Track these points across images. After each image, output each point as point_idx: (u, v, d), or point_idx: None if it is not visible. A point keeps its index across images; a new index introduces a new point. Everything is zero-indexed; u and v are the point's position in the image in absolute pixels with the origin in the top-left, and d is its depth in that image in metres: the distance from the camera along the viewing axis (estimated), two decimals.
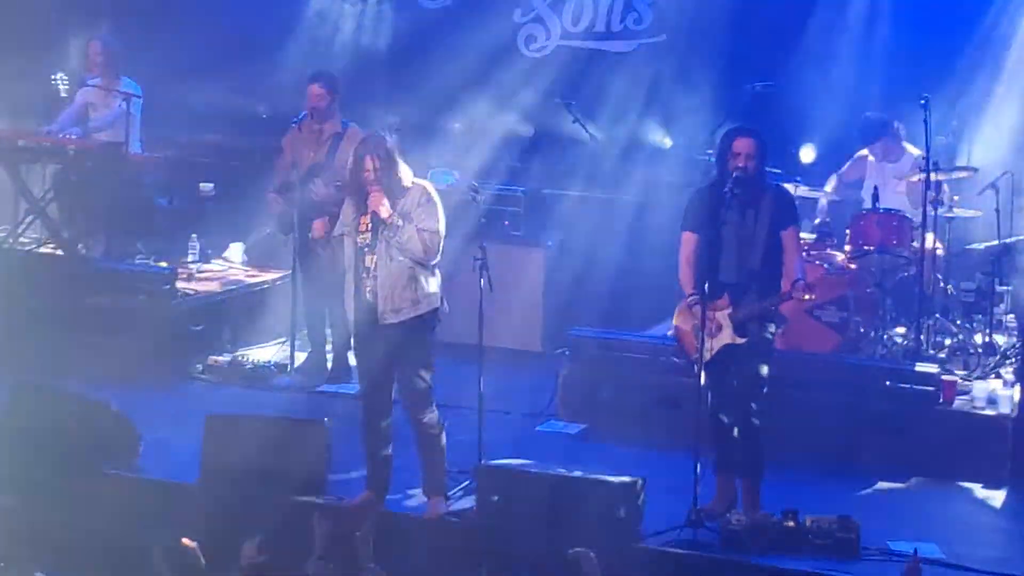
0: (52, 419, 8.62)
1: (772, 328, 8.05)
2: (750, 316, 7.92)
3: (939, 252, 10.26)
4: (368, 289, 7.87)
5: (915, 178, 10.24)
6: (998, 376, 9.57)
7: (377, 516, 7.83)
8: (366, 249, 7.89)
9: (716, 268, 7.86)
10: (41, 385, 9.01)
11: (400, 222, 7.81)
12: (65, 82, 11.72)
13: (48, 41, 12.41)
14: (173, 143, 12.17)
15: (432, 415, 8.01)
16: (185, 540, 7.18)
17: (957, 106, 10.85)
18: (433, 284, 7.93)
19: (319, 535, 7.63)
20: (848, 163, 10.84)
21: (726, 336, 7.93)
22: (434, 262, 7.91)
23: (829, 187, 10.79)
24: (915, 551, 7.33)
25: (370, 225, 7.86)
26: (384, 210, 7.79)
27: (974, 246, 10.45)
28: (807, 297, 7.87)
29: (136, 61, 11.77)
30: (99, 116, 11.49)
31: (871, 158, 10.70)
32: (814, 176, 11.04)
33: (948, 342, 10.07)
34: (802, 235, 9.98)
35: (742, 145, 7.95)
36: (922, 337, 9.89)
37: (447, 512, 8.04)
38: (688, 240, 8.08)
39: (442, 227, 7.89)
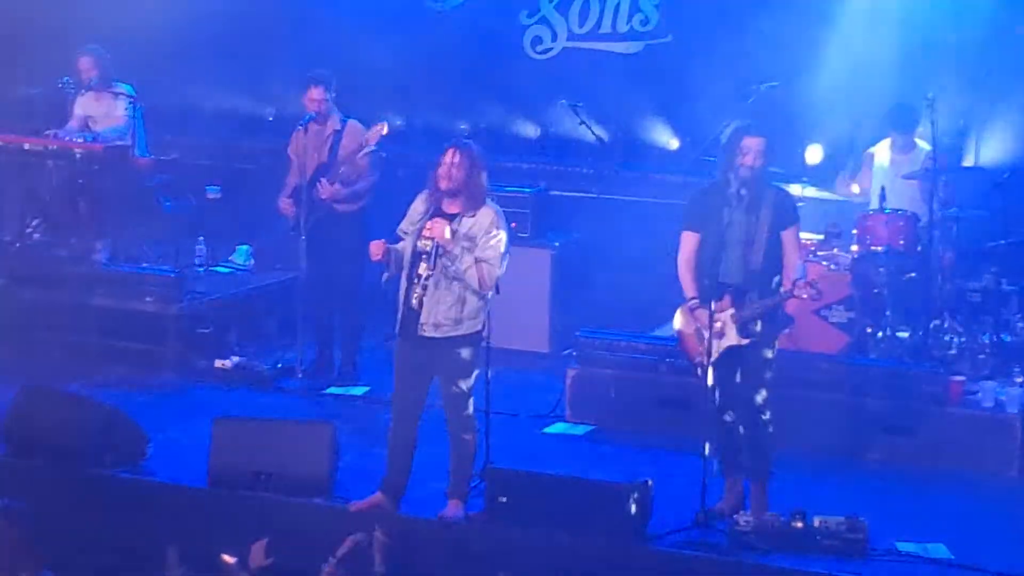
0: (59, 422, 8.63)
1: (775, 328, 8.04)
2: (753, 317, 7.91)
3: (947, 252, 10.24)
4: (416, 297, 7.80)
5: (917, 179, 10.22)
6: (1006, 376, 9.55)
7: (393, 521, 7.83)
8: (423, 256, 7.78)
9: (719, 269, 7.86)
10: (48, 388, 9.02)
11: (458, 250, 7.68)
12: (72, 87, 11.72)
13: (55, 45, 12.40)
14: (178, 146, 12.17)
15: (468, 421, 7.96)
16: (225, 556, 7.18)
17: (964, 105, 10.83)
18: (477, 307, 7.80)
19: (350, 539, 7.63)
20: (863, 168, 10.76)
21: (730, 338, 7.92)
22: (488, 291, 7.80)
23: (856, 188, 10.70)
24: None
25: (431, 238, 7.73)
26: (446, 240, 7.63)
27: (981, 246, 10.42)
28: (808, 295, 7.87)
29: (139, 64, 11.78)
30: (106, 127, 11.45)
31: (883, 148, 10.62)
32: (820, 177, 11.02)
33: (955, 342, 10.05)
34: (809, 235, 10.02)
35: (752, 144, 7.92)
36: (929, 337, 9.87)
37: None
38: (688, 240, 8.05)
39: (502, 259, 7.73)
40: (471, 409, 7.97)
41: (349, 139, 10.08)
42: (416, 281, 7.78)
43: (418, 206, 7.92)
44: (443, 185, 7.74)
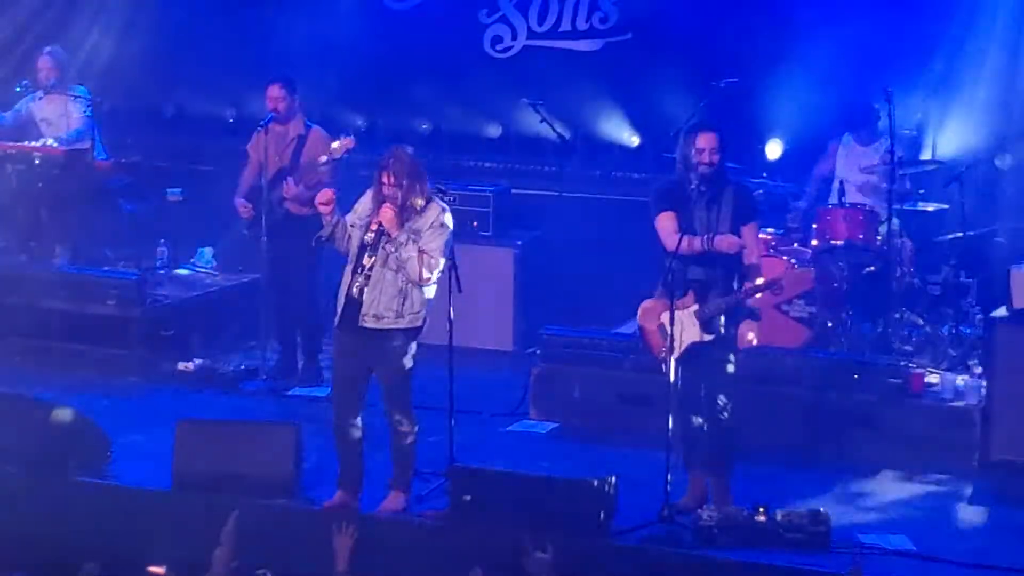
0: (21, 426, 8.59)
1: (738, 323, 8.09)
2: (716, 312, 7.96)
3: (906, 245, 10.31)
4: (356, 286, 7.91)
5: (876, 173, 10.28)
6: (965, 368, 9.62)
7: (358, 521, 7.84)
8: (368, 248, 7.92)
9: (683, 265, 7.90)
10: (10, 392, 8.98)
11: (404, 239, 7.83)
12: (31, 90, 11.66)
13: (13, 48, 12.34)
14: (139, 148, 12.13)
15: (407, 415, 8.04)
16: (152, 567, 7.16)
17: (922, 99, 10.90)
18: (420, 303, 7.94)
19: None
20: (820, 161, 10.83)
21: (693, 333, 7.97)
22: (429, 285, 7.93)
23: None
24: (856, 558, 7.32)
25: (377, 229, 7.89)
26: (392, 226, 7.81)
27: (940, 239, 10.50)
28: (758, 284, 7.95)
29: (100, 66, 11.73)
30: (69, 131, 11.37)
31: (849, 139, 10.67)
32: (780, 172, 11.08)
33: (915, 335, 10.12)
34: (768, 230, 10.08)
35: (705, 140, 7.98)
36: (889, 330, 9.94)
37: (421, 513, 8.07)
38: (667, 218, 7.99)
39: (444, 254, 7.89)
40: (410, 404, 8.04)
41: (312, 147, 10.08)
42: (359, 271, 7.91)
43: (366, 202, 8.03)
44: (388, 204, 7.85)
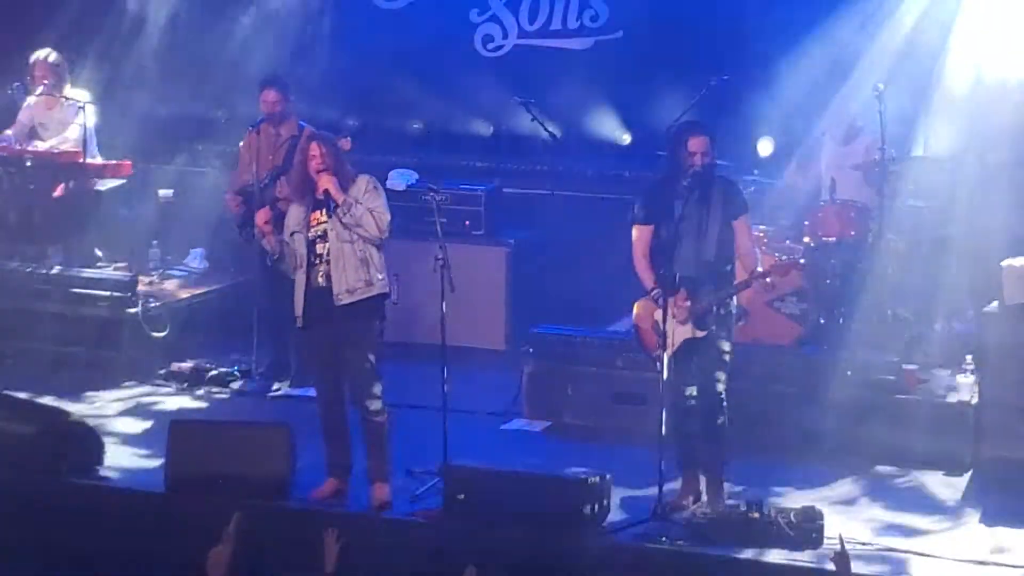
0: (14, 428, 8.59)
1: (731, 319, 8.10)
2: (708, 308, 7.98)
3: (898, 242, 10.31)
4: (321, 275, 8.10)
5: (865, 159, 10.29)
6: (958, 364, 9.62)
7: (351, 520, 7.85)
8: (317, 240, 8.13)
9: (673, 262, 7.91)
10: (2, 394, 8.98)
11: (351, 202, 8.10)
12: (22, 92, 11.62)
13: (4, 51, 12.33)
14: (131, 149, 12.10)
15: (378, 399, 8.12)
16: None
17: (912, 96, 10.90)
18: (381, 264, 8.18)
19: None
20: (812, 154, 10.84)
21: (686, 330, 7.98)
22: (381, 241, 8.17)
23: (788, 175, 10.79)
24: (840, 537, 7.29)
25: (324, 210, 8.11)
26: (336, 190, 8.07)
27: (932, 235, 10.50)
28: (767, 280, 7.96)
29: (94, 67, 11.73)
30: (66, 135, 11.36)
31: (829, 141, 10.70)
32: (772, 169, 11.08)
33: (907, 331, 10.12)
34: (760, 227, 10.08)
35: (697, 144, 8.02)
36: (881, 327, 9.94)
37: (415, 512, 8.07)
38: (642, 232, 8.10)
39: (388, 209, 8.20)
40: (380, 390, 8.13)
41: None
42: (317, 262, 8.13)
43: (295, 213, 8.29)
44: (324, 174, 8.16)
